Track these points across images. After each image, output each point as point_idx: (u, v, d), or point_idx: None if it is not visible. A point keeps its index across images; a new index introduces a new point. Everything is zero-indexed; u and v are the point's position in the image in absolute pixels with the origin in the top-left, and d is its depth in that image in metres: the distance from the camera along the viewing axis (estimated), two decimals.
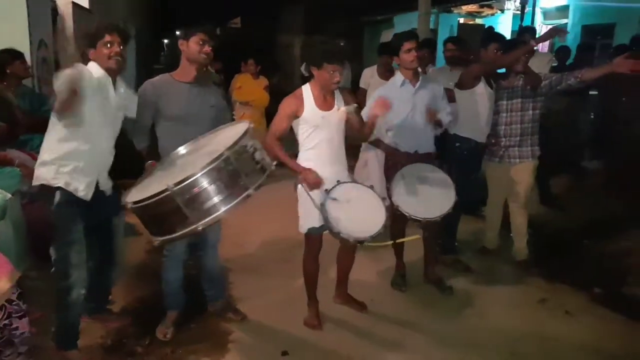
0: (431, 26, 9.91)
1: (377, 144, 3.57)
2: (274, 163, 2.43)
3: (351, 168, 3.74)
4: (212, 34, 2.78)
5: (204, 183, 2.09)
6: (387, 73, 4.95)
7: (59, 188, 2.50)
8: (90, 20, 6.23)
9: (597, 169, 6.08)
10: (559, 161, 5.14)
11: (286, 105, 2.89)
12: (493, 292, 3.62)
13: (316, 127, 2.88)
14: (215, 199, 2.11)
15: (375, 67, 5.32)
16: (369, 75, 5.30)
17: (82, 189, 2.55)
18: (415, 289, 3.58)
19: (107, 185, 2.72)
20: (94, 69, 2.53)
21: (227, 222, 3.55)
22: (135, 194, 2.28)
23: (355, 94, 4.91)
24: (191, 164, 2.24)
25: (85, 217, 2.57)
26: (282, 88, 2.99)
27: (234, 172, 2.14)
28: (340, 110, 2.91)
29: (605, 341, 2.98)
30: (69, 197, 2.52)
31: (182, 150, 2.61)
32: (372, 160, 4.38)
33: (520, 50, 3.58)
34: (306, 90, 2.91)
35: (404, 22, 12.05)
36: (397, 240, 3.01)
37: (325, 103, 2.89)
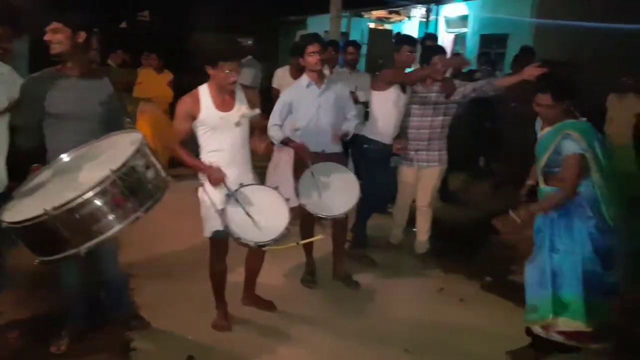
0: (343, 29, 10.18)
1: (287, 142, 3.62)
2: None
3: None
4: (79, 23, 2.53)
5: (87, 207, 2.00)
6: (298, 74, 5.00)
7: None
8: None
9: (491, 169, 6.63)
10: (456, 161, 5.51)
11: (182, 106, 2.80)
12: (396, 284, 3.81)
13: (215, 129, 2.80)
14: (100, 222, 2.03)
15: (287, 67, 5.38)
16: (281, 76, 5.34)
17: None
18: (325, 286, 3.67)
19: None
20: None
21: (133, 226, 3.46)
22: (12, 212, 2.14)
23: (271, 94, 4.97)
24: (74, 182, 2.14)
25: None
26: (193, 84, 2.88)
27: (121, 194, 2.06)
28: (240, 111, 2.85)
29: (495, 325, 3.25)
30: None
31: (68, 156, 2.45)
32: (284, 160, 4.43)
33: (426, 71, 3.81)
34: (203, 90, 2.82)
35: (317, 24, 12.26)
36: (300, 242, 3.05)
37: (224, 103, 2.82)
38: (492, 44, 9.84)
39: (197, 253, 3.55)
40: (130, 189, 2.09)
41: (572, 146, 2.63)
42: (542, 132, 2.81)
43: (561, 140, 2.66)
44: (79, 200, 1.98)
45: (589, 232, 2.64)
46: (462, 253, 4.29)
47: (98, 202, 2.02)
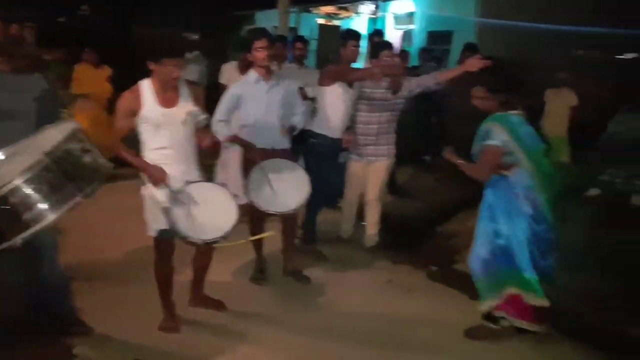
0: (292, 24, 10.14)
1: (234, 139, 3.58)
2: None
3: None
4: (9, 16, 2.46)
5: (19, 194, 1.90)
6: (246, 69, 4.93)
7: None
8: None
9: (436, 162, 6.80)
10: (403, 154, 5.63)
11: (123, 102, 2.72)
12: (346, 278, 3.86)
13: (158, 126, 2.73)
14: (35, 210, 1.94)
15: (235, 63, 5.31)
16: (229, 71, 5.26)
17: None
18: (276, 282, 3.67)
19: None
20: None
21: (74, 226, 3.32)
22: None
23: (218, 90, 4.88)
24: (6, 174, 2.02)
25: None
26: (135, 80, 2.80)
27: (56, 179, 1.97)
28: (184, 108, 2.78)
29: (441, 312, 3.35)
30: None
31: (2, 154, 2.31)
32: (233, 157, 4.38)
33: (365, 73, 3.86)
34: (144, 85, 2.75)
35: (265, 19, 12.16)
36: (250, 239, 3.04)
37: (167, 100, 2.75)
38: (438, 41, 10.08)
39: (141, 254, 3.47)
40: (66, 173, 2.00)
41: (490, 137, 2.80)
42: None
43: (485, 132, 2.83)
44: (9, 186, 1.89)
45: (525, 217, 2.80)
46: (410, 244, 4.39)
47: (29, 189, 1.92)
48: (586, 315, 3.27)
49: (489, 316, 3.00)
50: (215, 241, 2.69)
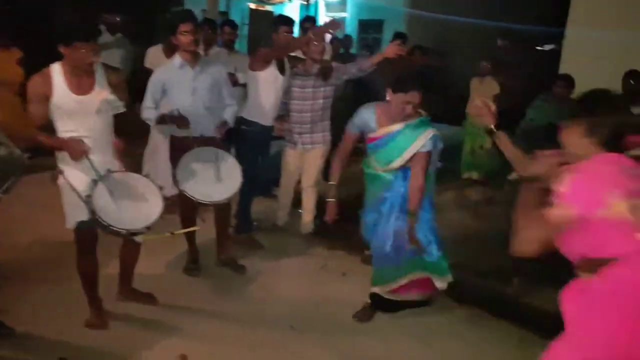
0: (222, 8, 9.88)
1: (161, 128, 3.45)
2: None
3: None
4: None
5: None
6: (172, 53, 4.76)
7: None
8: None
9: None
10: (338, 141, 5.69)
11: (33, 87, 2.52)
12: (282, 265, 3.86)
13: (71, 113, 2.56)
14: None
15: (160, 46, 5.09)
16: (154, 55, 5.03)
17: None
18: (210, 273, 3.60)
19: None
20: None
21: None
22: None
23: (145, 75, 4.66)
24: None
25: None
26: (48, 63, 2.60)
27: None
28: (101, 94, 2.63)
29: None
30: None
31: None
32: (161, 145, 4.22)
33: (303, 38, 3.82)
34: (55, 69, 2.56)
35: (194, 2, 11.75)
36: (175, 232, 2.94)
37: (80, 86, 2.58)
38: (369, 29, 10.24)
39: (61, 248, 3.29)
40: None
41: (430, 144, 2.89)
42: (390, 128, 2.91)
43: (435, 138, 2.90)
44: None
45: (424, 206, 2.97)
46: (344, 230, 4.45)
47: None
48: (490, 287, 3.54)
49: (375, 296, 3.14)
50: (139, 232, 2.59)
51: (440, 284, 3.08)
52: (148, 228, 2.58)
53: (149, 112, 3.30)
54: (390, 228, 2.98)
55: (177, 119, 3.21)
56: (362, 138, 3.11)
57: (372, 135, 2.98)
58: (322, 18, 11.43)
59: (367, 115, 2.98)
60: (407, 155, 2.90)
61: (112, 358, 2.65)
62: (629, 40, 5.10)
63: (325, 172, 5.51)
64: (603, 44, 5.23)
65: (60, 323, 2.87)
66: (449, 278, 3.09)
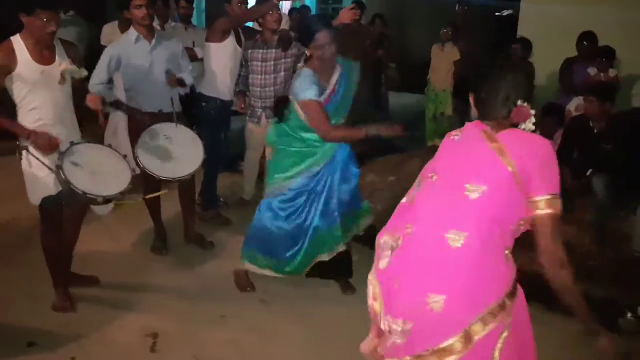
0: None
1: (118, 105, 3.36)
2: None
3: None
4: None
5: None
6: (127, 29, 4.63)
7: None
8: None
9: None
10: None
11: None
12: None
13: (35, 84, 2.54)
14: None
15: (116, 22, 4.94)
16: (110, 32, 4.90)
17: None
18: (177, 250, 3.58)
19: None
20: None
21: None
22: None
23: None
24: None
25: None
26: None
27: None
28: (61, 65, 2.60)
29: None
30: None
31: None
32: (121, 124, 4.13)
33: (263, 7, 3.72)
34: (17, 41, 2.53)
35: None
36: (146, 196, 2.95)
37: (42, 57, 2.57)
38: (329, 0, 10.13)
39: (23, 232, 3.21)
40: None
41: None
42: (334, 77, 2.84)
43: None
44: None
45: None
46: None
47: None
48: None
49: None
50: (113, 198, 2.62)
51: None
52: (122, 193, 2.62)
53: (100, 88, 3.18)
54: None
55: (129, 110, 3.25)
56: None
57: (324, 96, 2.82)
58: None
59: (313, 78, 2.79)
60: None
61: (80, 340, 2.63)
62: (581, 14, 5.25)
63: None
64: (556, 17, 5.36)
65: (26, 307, 2.83)
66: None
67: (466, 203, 1.51)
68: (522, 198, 1.49)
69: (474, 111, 1.70)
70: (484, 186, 1.51)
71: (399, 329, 1.54)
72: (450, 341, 1.48)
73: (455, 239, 1.49)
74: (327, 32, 2.70)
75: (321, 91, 2.77)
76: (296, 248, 2.94)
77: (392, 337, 1.57)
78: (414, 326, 1.52)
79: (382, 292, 1.62)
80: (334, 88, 2.82)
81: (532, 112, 1.58)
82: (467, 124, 1.69)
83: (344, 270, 3.11)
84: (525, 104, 1.58)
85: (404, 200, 1.76)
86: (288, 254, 2.95)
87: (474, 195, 1.51)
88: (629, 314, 2.92)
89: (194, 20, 5.09)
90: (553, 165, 1.52)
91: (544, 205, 1.47)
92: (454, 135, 1.70)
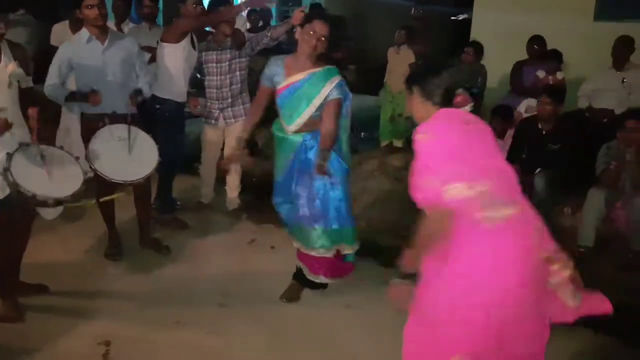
0: None
1: (73, 97, 3.25)
2: None
3: None
4: None
5: None
6: (79, 28, 4.48)
7: None
8: None
9: None
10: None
11: None
12: (209, 243, 3.83)
13: None
14: None
15: (67, 22, 4.79)
16: (60, 32, 4.74)
17: None
18: (132, 256, 3.49)
19: None
20: None
21: None
22: None
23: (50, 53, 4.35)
24: None
25: None
26: None
27: None
28: (8, 67, 2.54)
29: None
30: None
31: None
32: (72, 125, 4.01)
33: (227, 12, 3.72)
34: None
35: None
36: (101, 199, 2.89)
37: None
38: (289, 1, 10.15)
39: None
40: None
41: (338, 92, 2.82)
42: (295, 77, 2.83)
43: (334, 85, 2.81)
44: None
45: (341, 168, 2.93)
46: (272, 204, 4.46)
47: None
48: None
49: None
50: (65, 200, 2.57)
51: (349, 250, 3.00)
52: (74, 196, 2.56)
53: (54, 89, 3.12)
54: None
55: (89, 94, 3.08)
56: None
57: (279, 86, 2.85)
58: None
59: (275, 67, 2.84)
60: (316, 102, 2.80)
61: (31, 351, 2.53)
62: (530, 20, 5.49)
63: (252, 147, 5.51)
64: (507, 22, 5.58)
65: None
66: (356, 246, 3.01)
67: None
68: None
69: (418, 101, 1.97)
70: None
71: None
72: None
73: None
74: (325, 23, 2.73)
75: (281, 78, 2.82)
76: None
77: None
78: None
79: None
80: (296, 81, 2.81)
81: (470, 97, 1.93)
82: (442, 110, 1.93)
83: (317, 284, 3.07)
84: (465, 92, 1.91)
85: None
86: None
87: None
88: None
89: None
90: None
91: None
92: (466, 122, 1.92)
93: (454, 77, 1.94)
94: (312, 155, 2.86)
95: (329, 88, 2.80)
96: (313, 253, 2.93)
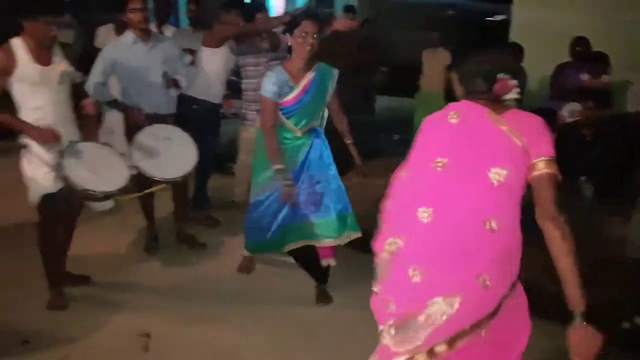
0: None
1: (115, 105, 3.39)
2: None
3: None
4: None
5: None
6: (123, 31, 4.63)
7: None
8: None
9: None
10: None
11: None
12: (238, 242, 3.82)
13: (35, 85, 2.61)
14: None
15: (111, 25, 4.96)
16: (105, 34, 4.91)
17: None
18: (169, 251, 3.60)
19: None
20: None
21: None
22: None
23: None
24: None
25: None
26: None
27: None
28: (60, 66, 2.68)
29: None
30: None
31: None
32: (116, 123, 4.15)
33: (266, 24, 3.82)
34: (16, 43, 2.61)
35: None
36: (146, 191, 3.05)
37: (42, 58, 2.64)
38: (321, 4, 10.22)
39: (15, 229, 3.22)
40: None
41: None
42: (304, 80, 2.83)
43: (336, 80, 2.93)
44: None
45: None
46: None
47: None
48: None
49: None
50: (113, 194, 2.72)
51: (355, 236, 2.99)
52: (121, 190, 2.70)
53: (96, 87, 3.24)
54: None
55: (131, 113, 3.26)
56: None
57: (290, 96, 2.82)
58: None
59: (281, 77, 2.80)
60: (328, 98, 2.93)
61: (72, 339, 2.65)
62: (572, 20, 5.34)
63: None
64: (548, 23, 5.44)
65: (20, 306, 2.86)
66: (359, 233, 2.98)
67: (492, 188, 1.57)
68: (527, 167, 1.59)
69: (458, 89, 1.76)
70: (506, 169, 1.57)
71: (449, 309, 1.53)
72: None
73: (490, 224, 1.56)
74: (313, 22, 2.73)
75: (289, 89, 2.81)
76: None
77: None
78: (462, 302, 1.53)
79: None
80: (304, 89, 2.84)
81: (514, 82, 1.64)
82: (455, 105, 1.71)
83: (318, 274, 3.08)
84: (507, 76, 1.64)
85: (390, 200, 1.80)
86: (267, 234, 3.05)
87: (499, 179, 1.57)
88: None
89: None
90: (548, 134, 1.62)
91: (543, 166, 1.57)
92: (451, 118, 1.68)
93: (493, 64, 1.67)
94: (314, 152, 2.94)
95: (334, 82, 2.92)
96: (329, 244, 2.97)
